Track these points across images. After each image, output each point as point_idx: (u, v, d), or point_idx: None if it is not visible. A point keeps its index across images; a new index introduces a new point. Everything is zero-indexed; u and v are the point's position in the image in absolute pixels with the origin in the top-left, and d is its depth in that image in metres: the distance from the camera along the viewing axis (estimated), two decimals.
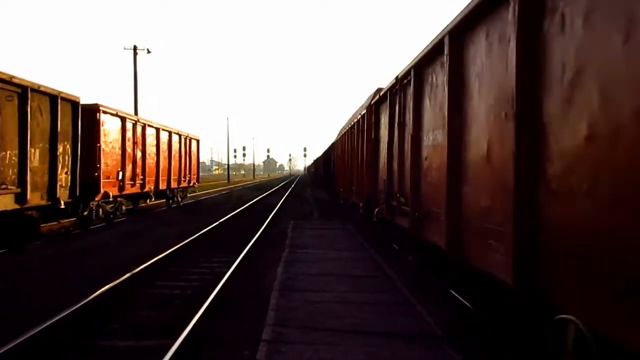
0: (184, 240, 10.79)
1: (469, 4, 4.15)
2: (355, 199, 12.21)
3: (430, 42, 5.28)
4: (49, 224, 12.53)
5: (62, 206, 11.03)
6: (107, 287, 6.51)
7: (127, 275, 7.28)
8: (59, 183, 10.96)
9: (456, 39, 4.61)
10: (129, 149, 15.83)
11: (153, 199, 19.52)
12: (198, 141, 26.04)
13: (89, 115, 13.15)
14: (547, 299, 2.97)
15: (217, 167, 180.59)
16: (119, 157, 15.16)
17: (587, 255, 2.56)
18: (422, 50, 5.61)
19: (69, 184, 11.59)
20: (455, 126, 4.64)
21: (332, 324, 5.05)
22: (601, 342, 2.50)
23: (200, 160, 29.10)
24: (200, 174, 28.36)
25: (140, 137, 17.03)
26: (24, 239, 10.28)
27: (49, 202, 10.66)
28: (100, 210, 14.19)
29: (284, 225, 14.37)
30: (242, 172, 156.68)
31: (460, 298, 5.70)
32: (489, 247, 3.76)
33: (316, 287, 6.64)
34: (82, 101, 12.82)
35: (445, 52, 4.80)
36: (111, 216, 15.22)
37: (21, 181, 9.58)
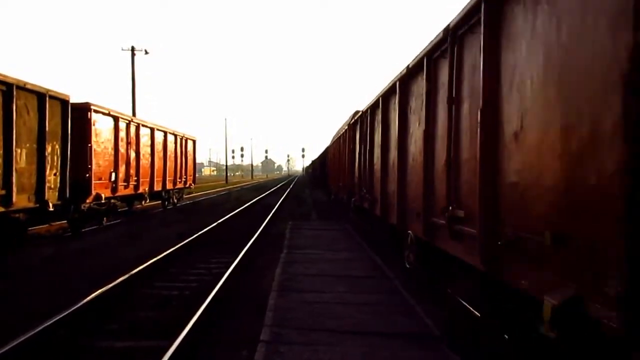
0: (180, 243, 10.92)
1: (381, 90, 8.57)
2: (342, 193, 16.32)
3: (375, 97, 9.25)
4: (41, 226, 12.64)
5: (51, 208, 10.93)
6: (101, 290, 6.65)
7: (120, 279, 7.41)
8: (47, 184, 10.87)
9: (386, 97, 8.36)
10: (122, 150, 15.88)
11: (148, 201, 19.60)
12: (194, 141, 26.16)
13: (80, 115, 13.12)
14: (407, 227, 7.03)
15: (214, 168, 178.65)
16: (112, 158, 15.20)
17: (408, 207, 6.76)
18: (372, 99, 9.55)
19: (58, 185, 11.50)
20: (384, 148, 8.48)
21: (331, 324, 5.20)
22: (417, 238, 6.37)
23: (199, 161, 29.39)
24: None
25: (134, 137, 17.11)
26: (10, 243, 10.17)
27: (37, 205, 10.55)
28: (93, 212, 14.23)
29: (282, 226, 14.55)
30: (238, 172, 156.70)
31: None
32: (393, 211, 7.56)
33: (315, 287, 6.80)
34: (81, 101, 12.92)
35: (380, 106, 8.73)
36: (104, 218, 15.31)
37: (6, 183, 9.45)
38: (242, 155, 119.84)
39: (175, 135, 22.36)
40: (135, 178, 17.18)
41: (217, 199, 31.99)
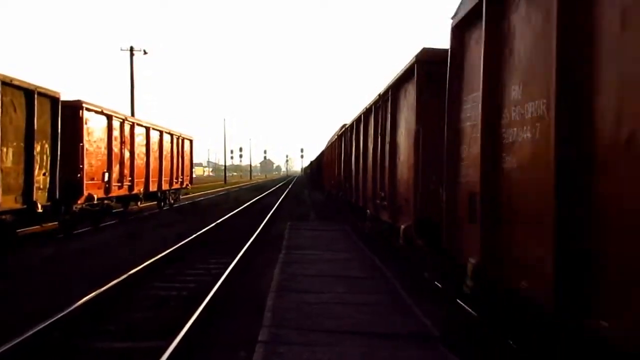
0: (178, 243, 11.03)
1: (355, 116, 13.20)
2: (334, 189, 20.58)
3: (351, 120, 13.76)
4: (39, 227, 12.72)
5: (40, 210, 10.87)
6: (99, 290, 6.76)
7: (119, 279, 7.53)
8: (35, 185, 10.81)
9: (358, 122, 12.33)
10: (115, 149, 15.89)
11: (143, 202, 19.69)
12: (191, 141, 26.25)
13: (71, 113, 13.12)
14: (366, 207, 11.04)
15: (211, 168, 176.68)
16: (105, 158, 15.23)
17: (367, 195, 10.77)
18: (350, 121, 14.01)
19: (48, 186, 11.46)
20: (357, 157, 12.36)
21: (330, 324, 5.31)
22: (370, 213, 10.61)
23: (197, 161, 29.73)
24: None
25: (129, 137, 17.16)
26: None
27: (24, 206, 10.49)
28: (85, 213, 14.21)
29: (281, 226, 14.70)
30: (235, 173, 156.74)
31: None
32: (360, 198, 11.88)
33: (314, 288, 6.93)
34: (72, 99, 12.98)
35: (354, 127, 12.94)
36: (97, 220, 15.37)
37: None
38: (240, 156, 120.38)
39: (172, 135, 22.46)
40: (130, 178, 17.25)
41: (215, 199, 32.14)
